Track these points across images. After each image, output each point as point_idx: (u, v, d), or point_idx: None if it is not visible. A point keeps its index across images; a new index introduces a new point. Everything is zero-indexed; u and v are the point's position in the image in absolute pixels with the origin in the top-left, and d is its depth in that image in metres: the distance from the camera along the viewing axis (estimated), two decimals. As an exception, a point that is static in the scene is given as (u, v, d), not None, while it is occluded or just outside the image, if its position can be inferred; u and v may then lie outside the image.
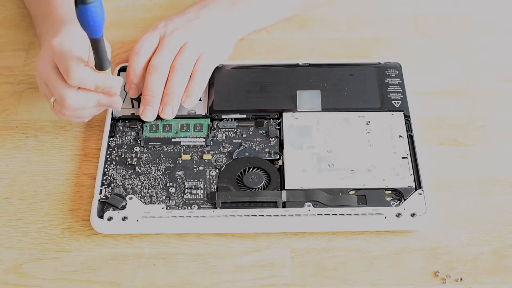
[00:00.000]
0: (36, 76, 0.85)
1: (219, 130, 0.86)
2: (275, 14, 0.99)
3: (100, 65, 0.79)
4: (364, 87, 0.90)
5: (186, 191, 0.81)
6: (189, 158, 0.84)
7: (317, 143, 0.84)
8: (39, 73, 0.82)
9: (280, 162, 0.83)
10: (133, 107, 0.88)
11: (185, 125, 0.86)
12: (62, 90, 0.79)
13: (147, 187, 0.81)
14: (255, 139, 0.85)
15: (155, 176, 0.82)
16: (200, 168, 0.83)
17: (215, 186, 0.81)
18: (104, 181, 0.81)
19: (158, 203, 0.80)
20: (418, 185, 0.80)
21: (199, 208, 0.79)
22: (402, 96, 0.89)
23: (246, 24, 0.96)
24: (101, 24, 0.76)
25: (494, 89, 0.92)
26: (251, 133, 0.86)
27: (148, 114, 0.85)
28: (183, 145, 0.85)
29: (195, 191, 0.81)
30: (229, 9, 0.93)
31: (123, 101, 0.89)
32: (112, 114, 0.87)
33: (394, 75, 0.91)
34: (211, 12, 0.91)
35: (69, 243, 0.78)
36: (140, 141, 0.85)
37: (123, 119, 0.87)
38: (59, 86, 0.80)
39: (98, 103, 0.81)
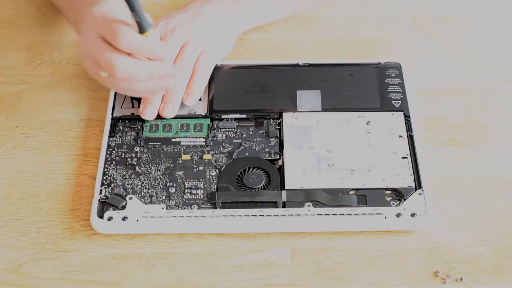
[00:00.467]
0: (80, 56, 0.82)
1: (219, 130, 0.86)
2: (276, 11, 0.98)
3: (140, 26, 0.78)
4: (364, 87, 0.90)
5: (186, 191, 0.81)
6: (189, 158, 0.84)
7: (317, 143, 0.84)
8: (84, 49, 0.80)
9: (280, 162, 0.83)
10: (133, 107, 0.88)
11: (185, 125, 0.86)
12: (111, 57, 0.77)
13: (147, 187, 0.81)
14: (255, 139, 0.85)
15: (155, 176, 0.82)
16: (200, 168, 0.83)
17: (215, 186, 0.81)
18: (104, 181, 0.81)
19: (158, 203, 0.80)
20: (418, 185, 0.80)
21: (199, 208, 0.79)
22: (402, 96, 0.89)
23: (246, 20, 0.95)
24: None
25: (494, 89, 0.92)
26: (251, 133, 0.86)
27: (148, 112, 0.85)
28: (183, 145, 0.85)
29: (195, 191, 0.81)
30: (230, 5, 0.93)
31: (123, 101, 0.89)
32: (112, 112, 0.87)
33: (394, 75, 0.91)
34: (212, 8, 0.91)
35: (69, 243, 0.78)
36: (140, 141, 0.85)
37: (123, 119, 0.87)
38: (107, 53, 0.78)
39: (150, 74, 0.79)
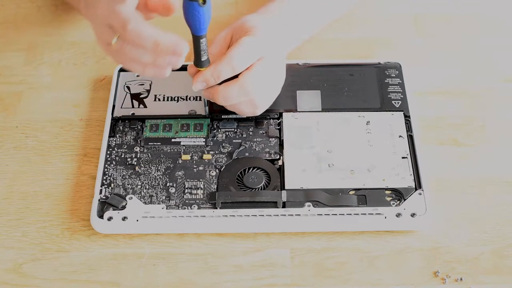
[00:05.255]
0: (94, 29, 0.81)
1: (219, 130, 0.86)
2: (319, 22, 0.97)
3: (198, 62, 0.79)
4: (364, 87, 0.90)
5: (186, 191, 0.81)
6: (189, 158, 0.84)
7: (317, 143, 0.84)
8: (100, 16, 0.78)
9: (280, 162, 0.83)
10: (133, 107, 0.88)
11: (185, 125, 0.86)
12: (123, 16, 0.76)
13: (147, 187, 0.81)
14: (255, 139, 0.85)
15: (155, 176, 0.82)
16: (200, 168, 0.83)
17: (215, 186, 0.81)
18: (104, 181, 0.82)
19: (158, 203, 0.80)
20: (418, 185, 0.80)
21: (199, 208, 0.79)
22: (402, 96, 0.89)
23: (292, 43, 0.93)
24: (208, 23, 0.76)
25: (494, 89, 0.92)
26: (251, 133, 0.86)
27: (199, 86, 0.82)
28: (183, 145, 0.85)
29: (195, 191, 0.81)
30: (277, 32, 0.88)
31: (123, 101, 0.89)
32: (112, 112, 0.87)
33: (394, 75, 0.91)
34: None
35: (69, 243, 0.78)
36: (140, 141, 0.85)
37: (123, 119, 0.87)
38: (121, 15, 0.76)
39: (158, 40, 0.76)
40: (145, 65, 0.79)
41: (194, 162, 0.83)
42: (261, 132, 0.86)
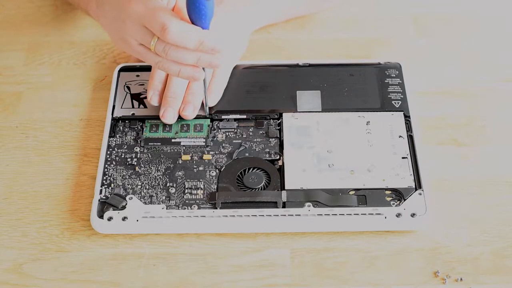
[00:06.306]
0: (115, 37, 0.82)
1: (219, 130, 0.86)
2: (287, 9, 0.98)
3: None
4: (364, 87, 0.90)
5: (186, 191, 0.81)
6: (189, 158, 0.84)
7: (317, 143, 0.84)
8: (133, 15, 0.79)
9: (280, 162, 0.83)
10: (133, 107, 0.88)
11: (185, 125, 0.86)
12: (164, 18, 0.76)
13: (147, 187, 0.81)
14: (255, 140, 0.85)
15: (155, 176, 0.82)
16: (200, 168, 0.83)
17: (215, 186, 0.81)
18: (104, 181, 0.82)
19: (158, 203, 0.80)
20: (418, 185, 0.80)
21: (199, 208, 0.79)
22: (402, 96, 0.89)
23: (259, 19, 0.95)
24: (211, 18, 0.76)
25: (494, 89, 0.92)
26: (251, 133, 0.86)
27: (169, 115, 0.85)
28: (183, 145, 0.85)
29: (195, 191, 0.81)
30: (243, 4, 0.92)
31: (123, 101, 0.89)
32: (112, 112, 0.87)
33: (394, 75, 0.91)
34: (226, 8, 0.90)
35: (69, 243, 0.78)
36: (140, 141, 0.85)
37: (123, 119, 0.87)
38: (161, 15, 0.76)
39: (201, 40, 0.77)
40: (183, 66, 0.79)
41: (194, 162, 0.83)
42: (261, 132, 0.86)
